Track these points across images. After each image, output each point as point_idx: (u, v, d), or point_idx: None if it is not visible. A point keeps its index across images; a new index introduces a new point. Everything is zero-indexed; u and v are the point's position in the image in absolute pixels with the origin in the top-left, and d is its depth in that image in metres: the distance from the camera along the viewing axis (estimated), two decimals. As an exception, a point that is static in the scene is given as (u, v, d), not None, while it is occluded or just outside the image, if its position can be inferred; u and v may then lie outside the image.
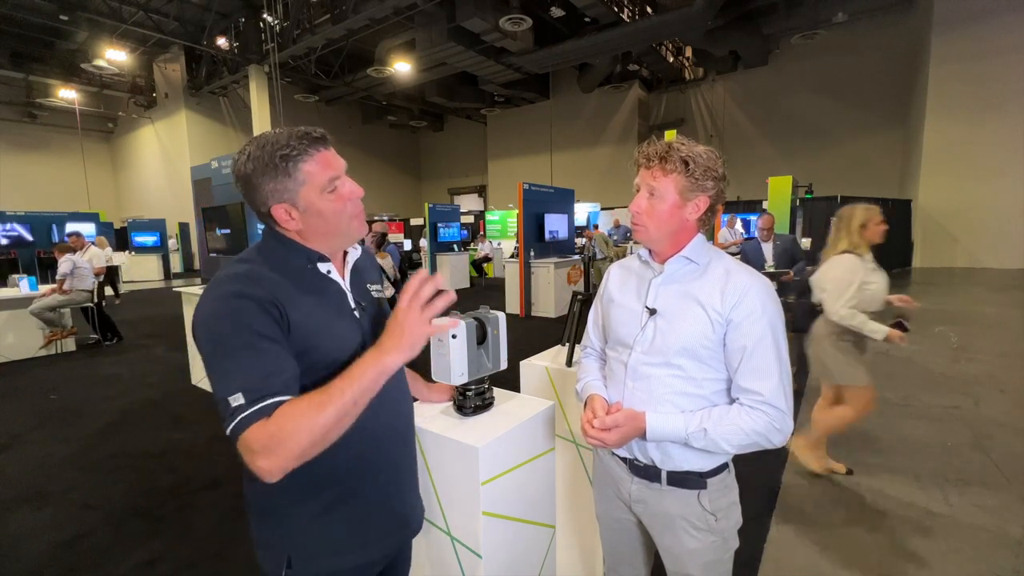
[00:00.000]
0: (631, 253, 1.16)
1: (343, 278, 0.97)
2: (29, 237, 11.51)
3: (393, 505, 1.02)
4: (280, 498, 0.90)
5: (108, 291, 9.03)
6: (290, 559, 0.89)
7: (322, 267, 0.93)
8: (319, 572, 0.92)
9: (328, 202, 0.88)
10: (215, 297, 0.82)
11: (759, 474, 2.73)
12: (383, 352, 0.84)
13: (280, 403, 0.77)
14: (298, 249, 0.91)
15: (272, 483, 0.86)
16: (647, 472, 1.11)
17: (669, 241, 1.07)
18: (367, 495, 0.96)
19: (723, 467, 1.10)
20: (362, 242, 1.04)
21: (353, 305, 0.97)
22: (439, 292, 0.90)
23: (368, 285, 1.05)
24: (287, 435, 0.74)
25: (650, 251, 1.13)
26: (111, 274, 9.67)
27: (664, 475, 1.08)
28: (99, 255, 6.66)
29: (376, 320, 1.01)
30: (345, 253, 1.00)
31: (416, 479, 1.13)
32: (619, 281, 1.21)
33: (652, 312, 1.08)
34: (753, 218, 9.81)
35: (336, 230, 0.92)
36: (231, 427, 0.75)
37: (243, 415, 0.74)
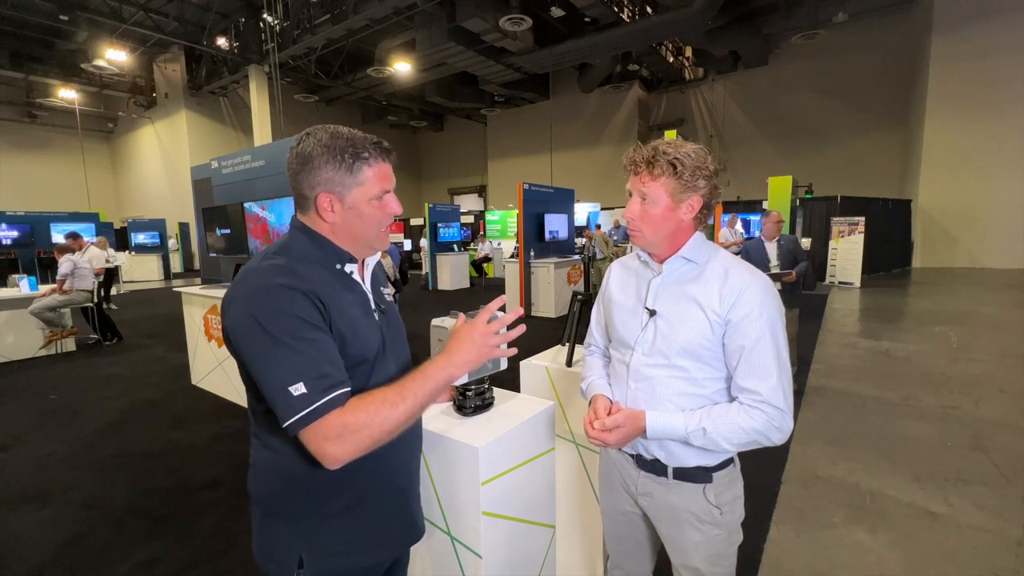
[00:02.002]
0: (631, 253, 1.16)
1: (364, 281, 1.00)
2: (14, 234, 11.39)
3: (407, 508, 1.04)
4: (300, 497, 0.89)
5: (113, 292, 9.00)
6: (302, 559, 0.89)
7: (348, 268, 0.95)
8: (331, 572, 0.92)
9: (372, 209, 0.92)
10: (257, 289, 0.82)
11: (759, 474, 2.72)
12: (454, 364, 0.89)
13: (349, 393, 0.80)
14: (330, 248, 0.93)
15: (293, 482, 0.88)
16: (654, 466, 1.11)
17: (667, 243, 1.07)
18: (386, 496, 0.97)
19: (728, 462, 1.10)
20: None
21: (374, 307, 0.99)
22: (516, 320, 0.97)
23: (381, 288, 1.08)
24: (360, 427, 0.78)
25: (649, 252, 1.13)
26: (108, 276, 9.57)
27: (670, 470, 1.09)
28: (99, 255, 6.64)
29: (391, 321, 1.04)
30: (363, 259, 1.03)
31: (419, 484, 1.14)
32: (620, 281, 1.21)
33: (652, 313, 1.08)
34: (754, 218, 9.82)
35: (365, 237, 0.94)
36: (299, 416, 0.76)
37: (316, 405, 0.76)
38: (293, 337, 0.78)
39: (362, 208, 0.90)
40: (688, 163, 1.00)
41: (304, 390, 0.76)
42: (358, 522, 0.93)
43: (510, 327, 0.96)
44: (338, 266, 0.93)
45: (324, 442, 0.77)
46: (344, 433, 0.77)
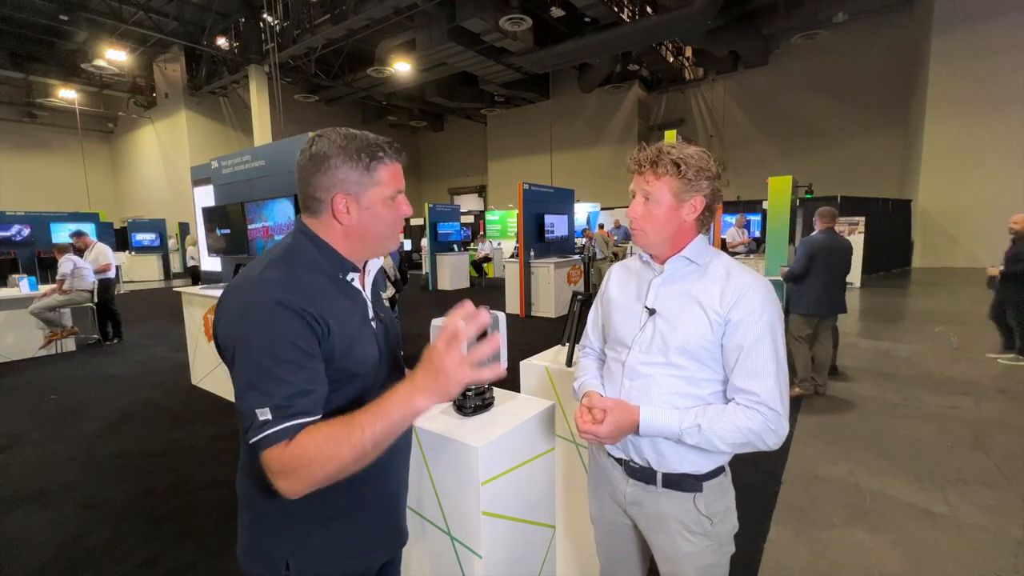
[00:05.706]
0: (631, 254, 1.17)
1: (364, 288, 0.98)
2: (11, 232, 11.32)
3: (395, 514, 1.03)
4: (292, 501, 0.86)
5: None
6: (288, 564, 0.88)
7: (350, 276, 0.94)
8: None
9: (388, 210, 0.91)
10: (252, 301, 0.79)
11: (758, 475, 2.73)
12: (415, 391, 0.77)
13: (303, 425, 0.76)
14: (334, 257, 0.91)
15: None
16: (643, 474, 1.10)
17: (669, 244, 1.07)
18: (375, 503, 0.96)
19: (719, 470, 1.09)
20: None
21: (372, 315, 0.97)
22: (484, 333, 0.81)
23: (380, 292, 1.07)
24: (302, 465, 0.74)
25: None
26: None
27: (659, 477, 1.08)
28: (105, 253, 6.58)
29: (388, 328, 1.02)
30: (364, 263, 1.00)
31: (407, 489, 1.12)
32: (620, 281, 1.21)
33: (652, 312, 1.08)
34: (754, 218, 9.81)
35: (380, 238, 0.94)
36: (254, 441, 0.75)
37: (265, 434, 0.74)
38: (277, 360, 0.76)
39: (378, 209, 0.89)
40: (692, 163, 1.00)
41: (269, 416, 0.74)
42: (351, 527, 0.92)
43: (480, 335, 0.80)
44: (340, 275, 0.92)
45: (273, 475, 0.74)
46: (285, 470, 0.73)
